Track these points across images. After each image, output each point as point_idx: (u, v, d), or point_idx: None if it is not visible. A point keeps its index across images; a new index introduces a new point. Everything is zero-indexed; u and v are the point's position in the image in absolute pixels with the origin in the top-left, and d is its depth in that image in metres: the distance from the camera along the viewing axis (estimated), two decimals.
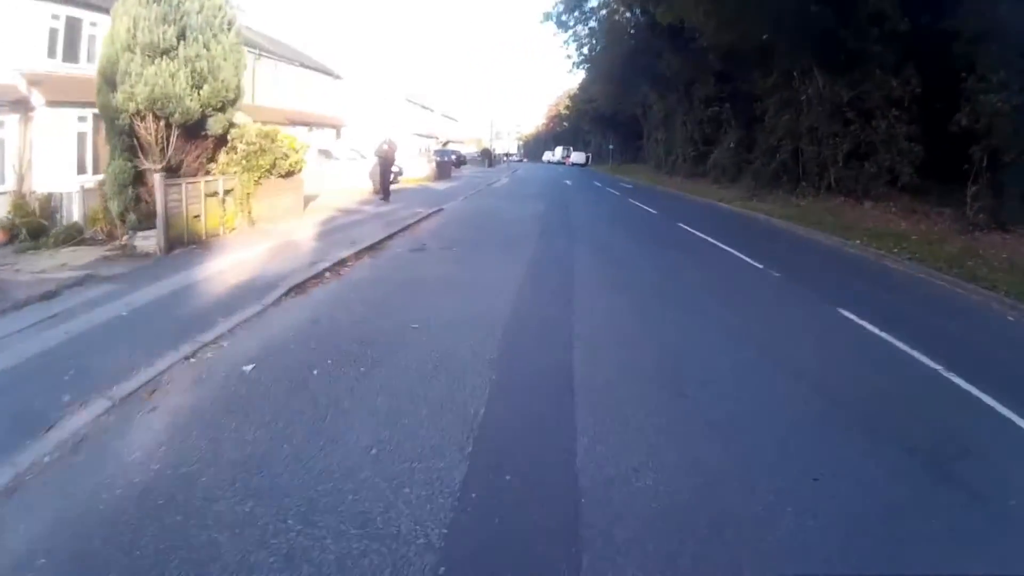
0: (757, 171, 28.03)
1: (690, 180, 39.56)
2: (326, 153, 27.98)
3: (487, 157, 65.05)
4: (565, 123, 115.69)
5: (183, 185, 12.48)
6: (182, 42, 12.18)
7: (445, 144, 78.17)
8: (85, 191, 14.04)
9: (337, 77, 44.69)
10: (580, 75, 70.46)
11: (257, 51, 29.98)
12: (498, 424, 5.10)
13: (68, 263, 10.68)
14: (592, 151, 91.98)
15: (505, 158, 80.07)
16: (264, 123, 16.96)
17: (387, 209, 20.46)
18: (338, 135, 44.16)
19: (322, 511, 3.79)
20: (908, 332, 8.11)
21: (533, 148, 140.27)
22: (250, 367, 6.15)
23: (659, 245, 15.94)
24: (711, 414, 5.49)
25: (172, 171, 12.50)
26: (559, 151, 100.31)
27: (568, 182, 42.96)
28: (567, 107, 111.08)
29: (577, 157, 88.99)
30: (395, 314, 8.12)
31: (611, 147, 68.12)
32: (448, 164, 44.27)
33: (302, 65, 38.44)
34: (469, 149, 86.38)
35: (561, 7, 54.15)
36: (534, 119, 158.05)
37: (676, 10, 28.95)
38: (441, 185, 34.17)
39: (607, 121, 68.67)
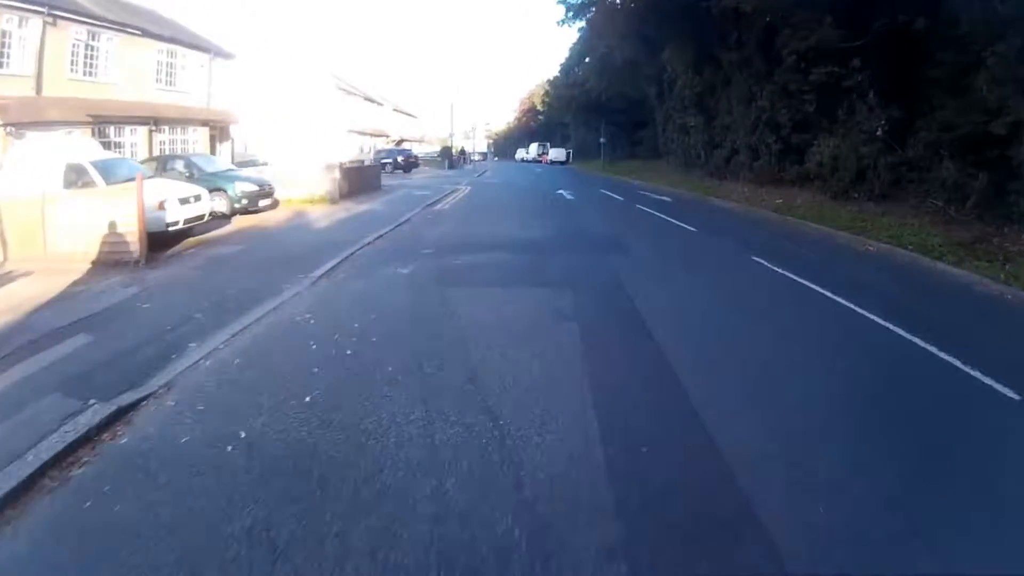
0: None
1: (781, 188, 22.75)
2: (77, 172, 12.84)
3: (446, 157, 49.77)
4: (540, 116, 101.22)
5: None
6: None
7: (399, 143, 63.76)
8: None
9: (226, 56, 29.99)
10: (561, 56, 57.27)
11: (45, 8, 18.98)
12: None
13: None
14: (573, 147, 77.88)
15: (463, 157, 65.25)
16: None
17: None
18: (220, 136, 29.46)
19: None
20: None
21: (504, 146, 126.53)
22: None
23: None
24: None
25: None
26: (534, 148, 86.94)
27: (566, 194, 28.32)
28: (544, 98, 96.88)
29: (556, 154, 75.64)
30: None
31: (603, 141, 53.63)
32: (373, 171, 29.71)
33: (158, 38, 24.02)
34: (430, 148, 71.79)
35: None
36: (505, 115, 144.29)
37: None
38: (339, 210, 20.58)
39: (598, 109, 54.41)
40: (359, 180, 25.23)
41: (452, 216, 19.87)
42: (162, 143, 24.92)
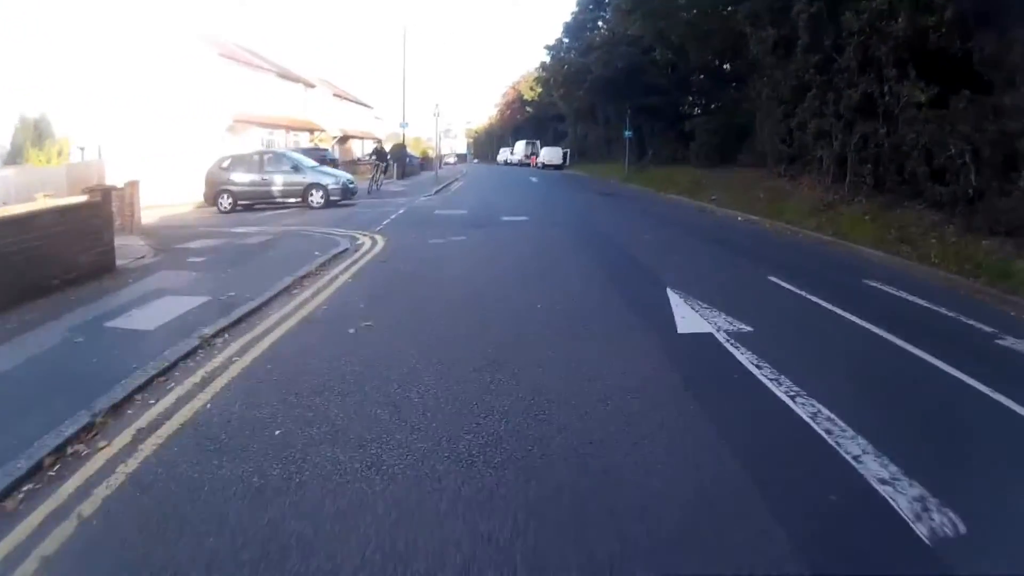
0: None
1: None
2: None
3: (381, 159, 30.03)
4: (528, 108, 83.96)
5: None
6: None
7: (342, 140, 47.09)
8: None
9: None
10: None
11: None
12: None
13: None
14: (570, 145, 62.04)
15: (421, 162, 48.25)
16: None
17: None
18: None
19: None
20: None
21: (485, 146, 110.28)
22: None
23: None
24: None
25: None
26: (520, 147, 71.04)
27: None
28: (534, 84, 79.31)
29: (549, 155, 59.75)
30: None
31: (628, 135, 36.23)
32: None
33: None
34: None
35: None
36: (486, 111, 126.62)
37: None
38: None
39: (620, 87, 36.69)
40: None
41: None
42: None
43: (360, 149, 53.47)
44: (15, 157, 31.50)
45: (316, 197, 20.36)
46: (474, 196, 25.12)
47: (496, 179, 41.92)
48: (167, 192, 22.40)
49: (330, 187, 20.59)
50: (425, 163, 51.53)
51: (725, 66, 31.53)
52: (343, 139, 52.12)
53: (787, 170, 20.99)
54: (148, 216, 17.06)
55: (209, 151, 25.96)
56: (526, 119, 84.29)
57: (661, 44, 30.26)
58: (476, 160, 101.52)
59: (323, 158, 30.10)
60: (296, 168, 20.86)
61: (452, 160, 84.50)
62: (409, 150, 54.59)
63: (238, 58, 33.50)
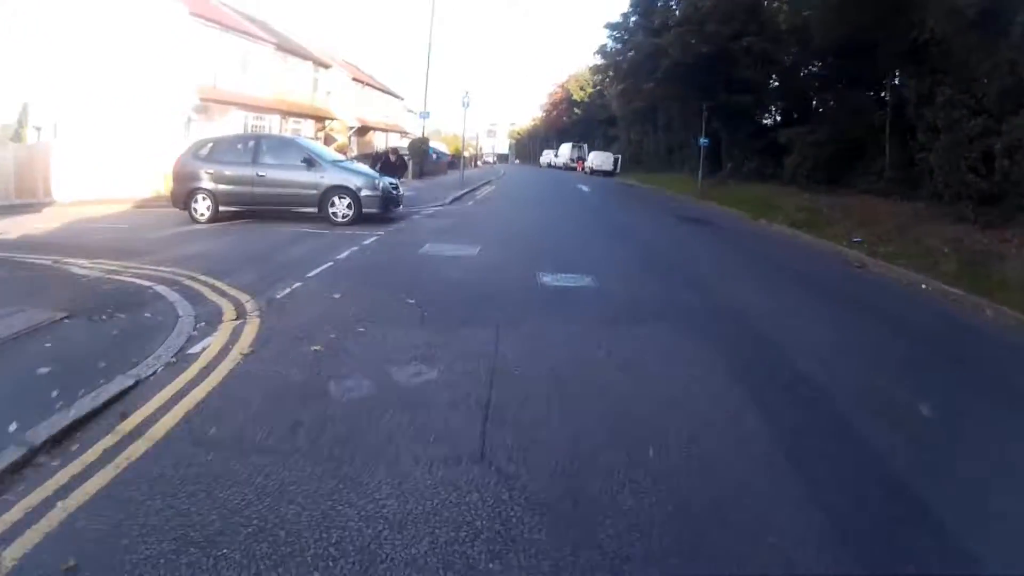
0: None
1: None
2: None
3: (377, 161, 23.92)
4: (577, 110, 76.76)
5: None
6: None
7: (360, 132, 40.71)
8: None
9: None
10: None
11: None
12: None
13: None
14: (621, 152, 54.77)
15: (437, 159, 40.59)
16: None
17: None
18: None
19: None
20: None
21: (528, 147, 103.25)
22: None
23: None
24: None
25: None
26: (566, 150, 64.47)
27: None
28: (584, 86, 72.58)
29: (599, 160, 52.42)
30: None
31: (703, 143, 28.53)
32: None
33: None
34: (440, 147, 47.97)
35: None
36: (531, 112, 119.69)
37: None
38: None
39: (702, 82, 29.01)
40: None
41: None
42: None
43: (384, 144, 46.77)
44: None
45: (341, 207, 13.50)
46: (503, 212, 18.25)
47: (537, 185, 35.03)
48: (113, 184, 18.29)
49: (364, 193, 13.57)
50: (456, 161, 44.83)
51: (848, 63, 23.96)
52: (362, 130, 45.41)
53: (978, 212, 13.62)
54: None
55: (171, 138, 20.43)
56: (573, 122, 77.33)
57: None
58: (517, 161, 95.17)
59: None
60: (310, 163, 13.67)
61: (491, 160, 78.42)
62: (438, 145, 48.00)
63: (218, 20, 26.80)
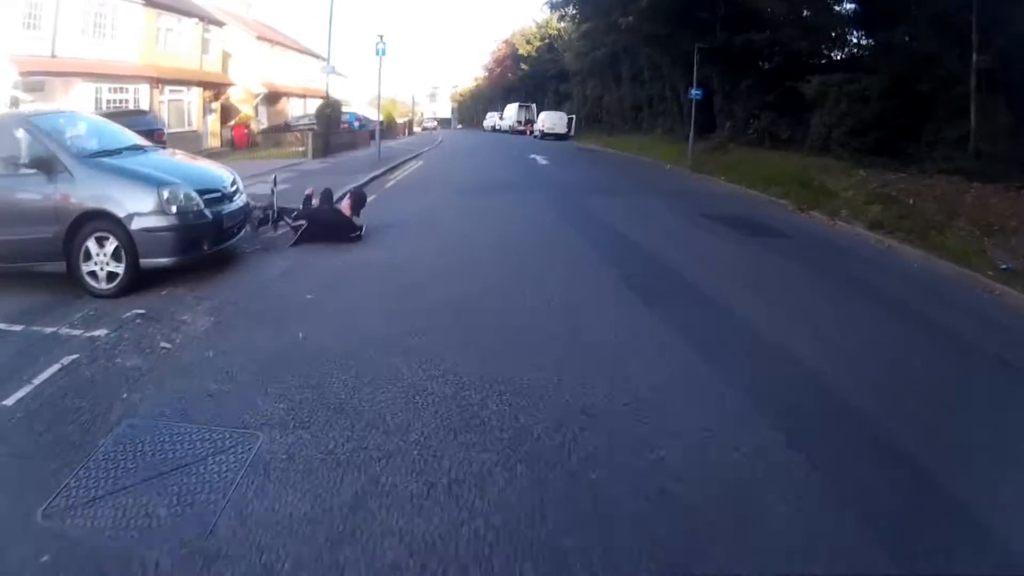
0: None
1: None
2: None
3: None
4: (524, 66, 68.86)
5: None
6: None
7: (267, 100, 35.05)
8: None
9: None
10: None
11: None
12: None
13: None
14: (576, 111, 48.23)
15: (361, 126, 33.77)
16: None
17: None
18: None
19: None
20: None
21: (471, 109, 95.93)
22: None
23: None
24: None
25: None
26: (513, 111, 56.41)
27: None
28: (531, 39, 65.49)
29: (550, 121, 45.01)
30: None
31: (697, 95, 21.79)
32: None
33: None
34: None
35: None
36: (474, 72, 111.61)
37: None
38: None
39: (692, 17, 22.14)
40: None
41: None
42: None
43: (303, 110, 39.50)
44: None
45: (101, 259, 6.31)
46: (417, 219, 11.26)
47: (478, 156, 28.49)
48: None
49: (140, 223, 6.30)
50: (388, 131, 37.84)
51: None
52: (272, 97, 38.01)
53: None
54: None
55: None
56: (520, 78, 69.68)
57: None
58: (460, 126, 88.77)
59: (150, 129, 16.33)
60: (44, 165, 6.31)
61: (432, 125, 71.60)
62: (361, 111, 40.76)
63: None
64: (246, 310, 5.93)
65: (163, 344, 5.02)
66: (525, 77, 67.26)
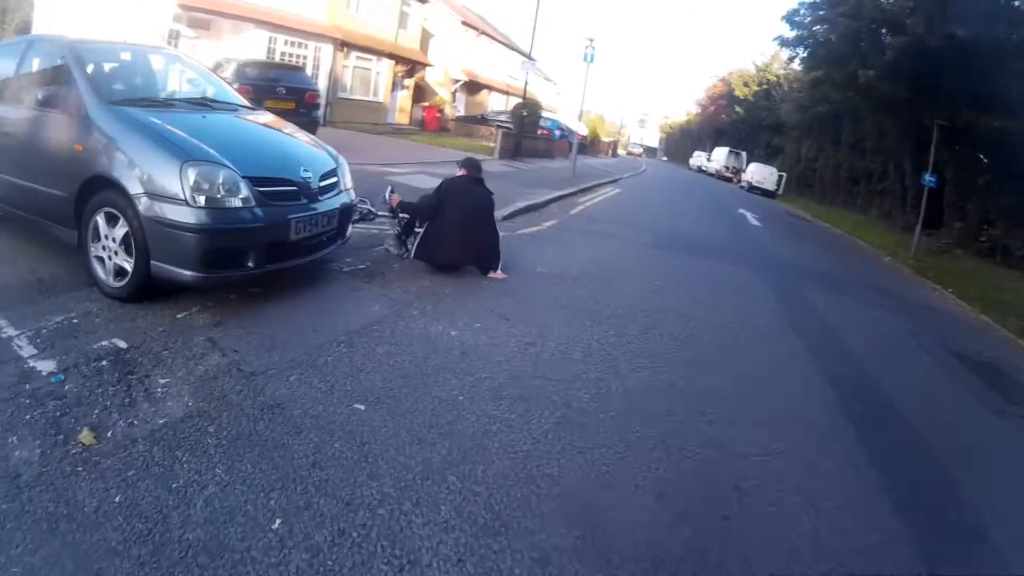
0: None
1: None
2: None
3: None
4: (738, 109, 65.24)
5: None
6: None
7: (466, 88, 37.37)
8: None
9: None
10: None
11: None
12: None
13: None
14: (786, 169, 44.45)
15: (563, 135, 33.35)
16: None
17: None
18: None
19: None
20: None
21: (680, 143, 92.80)
22: None
23: None
24: None
25: None
26: (722, 155, 53.94)
27: None
28: (748, 82, 62.41)
29: (760, 174, 42.19)
30: None
31: (931, 183, 18.63)
32: None
33: None
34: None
35: None
36: (685, 106, 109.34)
37: None
38: None
39: (941, 80, 19.08)
40: None
41: None
42: None
43: (505, 106, 38.68)
44: None
45: (107, 251, 4.67)
46: (583, 288, 7.28)
47: (683, 199, 25.39)
48: None
49: (152, 209, 4.38)
50: (591, 148, 36.42)
51: None
52: (471, 87, 37.32)
53: None
54: None
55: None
56: (732, 121, 66.25)
57: None
58: (665, 158, 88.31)
59: (301, 88, 15.18)
60: (60, 96, 4.98)
61: (638, 151, 70.81)
62: (564, 122, 39.41)
63: None
64: (265, 402, 3.63)
65: (83, 438, 3.11)
66: (738, 121, 64.13)
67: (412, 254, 6.75)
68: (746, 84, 62.92)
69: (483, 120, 33.12)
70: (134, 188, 4.43)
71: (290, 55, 23.46)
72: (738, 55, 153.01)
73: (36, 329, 4.06)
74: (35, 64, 5.54)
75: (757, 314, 8.19)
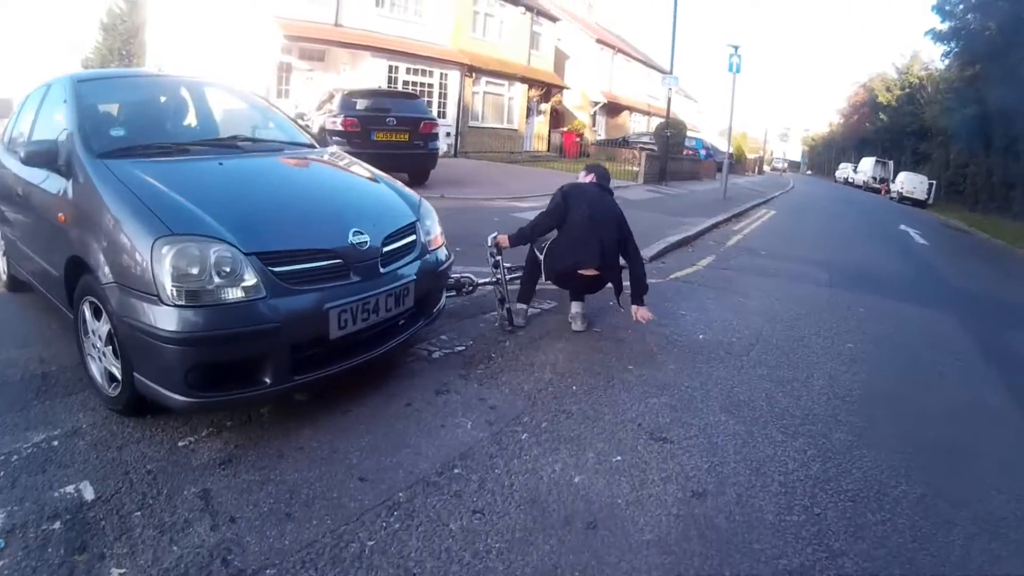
0: None
1: None
2: None
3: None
4: (881, 116, 61.27)
5: None
6: None
7: (606, 110, 36.92)
8: None
9: None
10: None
11: None
12: None
13: None
14: (936, 176, 41.84)
15: (708, 155, 32.82)
16: None
17: None
18: None
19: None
20: None
21: (823, 155, 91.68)
22: None
23: None
24: None
25: None
26: (868, 165, 52.65)
27: None
28: (891, 87, 59.37)
29: (910, 183, 40.25)
30: None
31: None
32: None
33: None
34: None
35: None
36: (827, 116, 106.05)
37: None
38: None
39: None
40: None
41: None
42: None
43: (646, 127, 37.34)
44: None
45: (95, 340, 3.63)
46: (755, 367, 5.36)
47: (840, 220, 22.52)
48: None
49: (129, 306, 3.16)
50: (737, 166, 34.73)
51: None
52: (612, 109, 35.97)
53: None
54: None
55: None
56: (876, 130, 62.89)
57: None
58: (810, 172, 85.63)
59: (414, 117, 13.98)
60: (46, 149, 3.97)
61: (782, 166, 69.10)
62: (706, 139, 37.93)
63: None
64: None
65: None
66: (881, 129, 61.19)
67: (543, 276, 5.57)
68: (888, 89, 60.27)
69: (625, 143, 31.94)
70: (103, 276, 3.31)
71: (413, 83, 22.88)
72: (878, 58, 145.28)
73: (7, 455, 3.16)
74: (48, 111, 4.79)
75: (978, 382, 6.02)
